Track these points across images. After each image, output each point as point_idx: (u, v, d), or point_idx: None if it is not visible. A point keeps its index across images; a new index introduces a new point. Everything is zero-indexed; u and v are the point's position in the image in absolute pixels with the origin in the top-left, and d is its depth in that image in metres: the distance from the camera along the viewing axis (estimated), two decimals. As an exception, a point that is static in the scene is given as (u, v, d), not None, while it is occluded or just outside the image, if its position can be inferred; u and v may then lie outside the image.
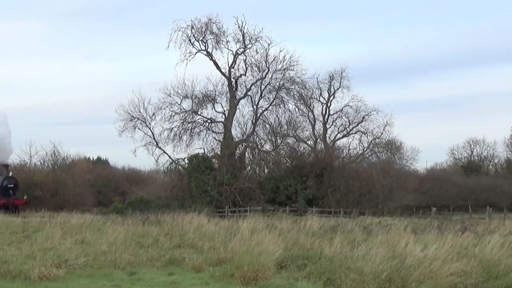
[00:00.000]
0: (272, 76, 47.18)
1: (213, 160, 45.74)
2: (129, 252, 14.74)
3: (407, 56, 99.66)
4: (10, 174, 43.82)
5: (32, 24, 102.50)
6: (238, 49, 46.44)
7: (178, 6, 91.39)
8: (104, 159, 63.05)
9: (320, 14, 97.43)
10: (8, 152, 45.24)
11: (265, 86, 47.24)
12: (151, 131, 46.13)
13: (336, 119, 53.01)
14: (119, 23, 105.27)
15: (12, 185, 42.37)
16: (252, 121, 47.21)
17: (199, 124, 46.52)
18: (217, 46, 46.30)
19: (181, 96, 46.22)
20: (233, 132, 46.71)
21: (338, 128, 53.13)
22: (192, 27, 45.97)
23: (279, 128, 47.96)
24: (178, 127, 46.06)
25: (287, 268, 12.91)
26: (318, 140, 52.10)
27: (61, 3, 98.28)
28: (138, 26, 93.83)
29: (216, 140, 46.67)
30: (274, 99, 47.37)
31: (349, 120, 52.72)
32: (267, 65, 46.82)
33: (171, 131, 45.98)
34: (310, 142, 51.48)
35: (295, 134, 49.19)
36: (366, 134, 52.59)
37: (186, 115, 46.25)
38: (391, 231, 17.57)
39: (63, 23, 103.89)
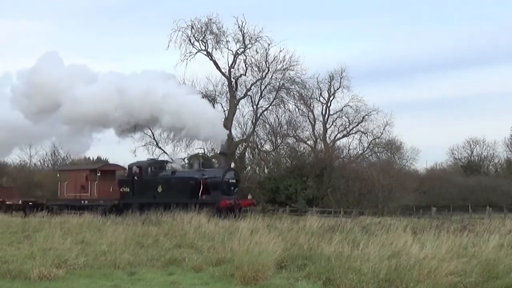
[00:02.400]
0: (272, 76, 47.21)
1: (213, 160, 45.71)
2: (129, 252, 14.77)
3: (407, 56, 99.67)
4: (232, 165, 35.14)
5: (34, 24, 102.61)
6: (238, 49, 46.47)
7: (178, 6, 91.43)
8: (104, 159, 63.02)
9: (320, 14, 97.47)
10: (222, 138, 35.63)
11: (265, 86, 47.28)
12: (151, 131, 46.14)
13: (336, 119, 53.05)
14: (119, 24, 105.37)
15: (234, 180, 32.99)
16: (252, 121, 47.25)
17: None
18: (217, 46, 46.32)
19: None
20: (233, 132, 46.73)
21: (338, 128, 53.18)
22: (192, 27, 45.99)
23: (279, 128, 47.97)
24: (178, 127, 46.06)
25: (287, 268, 12.93)
26: (318, 140, 52.12)
27: (63, 3, 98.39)
28: (138, 26, 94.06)
29: (216, 140, 46.66)
30: (274, 99, 47.40)
31: (349, 120, 52.76)
32: (267, 65, 46.85)
33: (171, 131, 45.97)
34: (310, 142, 51.52)
35: (295, 134, 49.20)
36: (366, 134, 52.64)
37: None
38: (390, 231, 17.59)
39: (66, 23, 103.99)
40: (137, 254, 14.65)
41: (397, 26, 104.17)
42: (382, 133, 52.73)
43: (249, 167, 47.47)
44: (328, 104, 52.82)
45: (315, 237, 16.76)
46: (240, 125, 47.64)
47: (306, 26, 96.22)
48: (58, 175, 40.59)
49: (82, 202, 36.53)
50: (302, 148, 49.60)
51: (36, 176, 50.99)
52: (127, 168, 36.56)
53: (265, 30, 46.44)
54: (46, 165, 57.61)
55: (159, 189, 33.60)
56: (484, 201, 47.54)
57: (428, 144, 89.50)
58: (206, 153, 46.06)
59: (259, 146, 47.60)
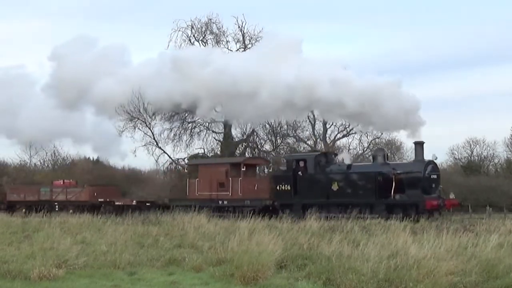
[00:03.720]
0: (272, 76, 47.08)
1: (213, 160, 45.72)
2: (129, 252, 14.78)
3: (407, 56, 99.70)
4: (435, 157, 28.69)
5: (33, 24, 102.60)
6: (238, 49, 46.44)
7: (178, 6, 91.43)
8: (104, 159, 62.98)
9: (320, 14, 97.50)
10: (419, 126, 28.96)
11: (265, 86, 47.17)
12: (151, 131, 46.07)
13: (336, 119, 53.00)
14: (119, 24, 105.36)
15: (436, 176, 27.77)
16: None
17: (199, 124, 46.51)
18: (217, 46, 46.27)
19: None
20: (233, 132, 46.74)
21: (338, 128, 53.07)
22: (192, 27, 46.00)
23: (279, 128, 47.95)
24: (178, 127, 46.05)
25: (287, 268, 12.95)
26: (318, 140, 52.08)
27: (62, 3, 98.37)
28: (138, 26, 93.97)
29: (216, 140, 46.70)
30: (274, 99, 47.30)
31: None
32: (267, 65, 46.73)
33: (171, 131, 45.96)
34: (310, 142, 51.48)
35: (295, 134, 49.18)
36: (366, 134, 52.61)
37: (186, 115, 46.25)
38: (390, 231, 17.60)
39: (65, 23, 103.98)
40: (137, 254, 14.67)
41: (397, 27, 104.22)
42: (382, 133, 52.73)
43: (249, 167, 47.45)
44: (328, 104, 52.84)
45: (315, 237, 16.78)
46: (240, 125, 47.64)
47: (307, 26, 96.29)
48: (186, 171, 36.27)
49: (220, 202, 31.67)
50: (302, 148, 49.58)
51: (36, 176, 50.93)
52: (282, 161, 31.59)
53: (265, 30, 46.44)
54: (46, 165, 57.60)
55: (334, 187, 28.48)
56: (484, 201, 47.48)
57: (428, 144, 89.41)
58: (206, 153, 46.03)
59: (259, 146, 47.60)
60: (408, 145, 58.55)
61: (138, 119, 44.77)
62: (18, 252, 14.98)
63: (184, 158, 46.21)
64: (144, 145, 45.93)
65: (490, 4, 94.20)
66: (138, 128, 45.42)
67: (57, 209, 36.23)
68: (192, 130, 46.29)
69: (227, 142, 45.00)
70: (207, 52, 36.34)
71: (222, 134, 46.06)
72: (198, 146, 46.47)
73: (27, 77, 42.75)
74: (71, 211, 34.53)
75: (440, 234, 15.70)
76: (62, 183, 40.95)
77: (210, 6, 67.60)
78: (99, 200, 36.20)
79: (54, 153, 56.10)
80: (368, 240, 15.22)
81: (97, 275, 12.49)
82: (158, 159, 46.40)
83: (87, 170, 54.00)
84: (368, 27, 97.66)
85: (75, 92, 37.35)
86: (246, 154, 47.21)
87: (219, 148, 46.06)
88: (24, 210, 36.89)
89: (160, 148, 46.23)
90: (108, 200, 36.22)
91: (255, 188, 31.43)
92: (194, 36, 46.02)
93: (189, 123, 46.32)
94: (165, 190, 45.98)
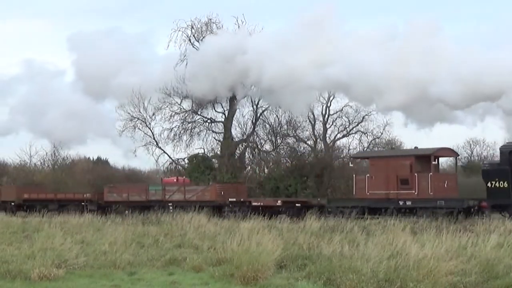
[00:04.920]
0: (272, 75, 47.00)
1: (213, 160, 45.73)
2: (129, 252, 14.80)
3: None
4: None
5: (32, 23, 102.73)
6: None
7: (178, 6, 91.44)
8: (104, 159, 63.01)
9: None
10: None
11: (265, 86, 47.12)
12: (151, 131, 46.12)
13: (336, 119, 52.89)
14: (119, 24, 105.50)
15: None
16: (252, 121, 47.24)
17: (199, 124, 46.51)
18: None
19: (181, 96, 46.17)
20: (233, 132, 46.71)
21: (338, 128, 53.05)
22: (192, 27, 45.96)
23: (279, 128, 47.94)
24: (178, 127, 46.06)
25: (286, 268, 12.96)
26: (318, 140, 52.06)
27: (61, 3, 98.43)
28: (137, 26, 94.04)
29: (216, 140, 46.68)
30: (274, 99, 47.25)
31: (349, 120, 52.59)
32: (267, 65, 46.65)
33: (171, 131, 45.96)
34: (310, 142, 51.45)
35: (295, 134, 49.16)
36: (366, 134, 52.50)
37: (186, 115, 46.27)
38: (390, 231, 17.61)
39: (64, 24, 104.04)
40: (137, 254, 14.68)
41: (394, 27, 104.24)
42: (382, 133, 52.64)
43: (249, 167, 47.48)
44: (328, 104, 52.70)
45: (315, 237, 16.79)
46: (240, 125, 47.60)
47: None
48: (350, 165, 32.29)
49: (401, 203, 27.17)
50: (302, 148, 49.58)
51: (36, 176, 50.90)
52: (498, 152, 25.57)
53: (265, 30, 46.39)
54: (46, 165, 57.53)
55: None
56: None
57: (428, 144, 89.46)
58: (206, 153, 46.06)
59: (259, 146, 47.61)
60: (408, 144, 58.63)
61: (138, 119, 44.88)
62: (18, 252, 14.98)
63: (184, 158, 46.26)
64: (144, 145, 46.02)
65: (491, 4, 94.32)
66: (138, 128, 45.53)
67: (171, 210, 31.34)
68: (192, 130, 46.34)
69: (227, 142, 45.03)
70: (239, 40, 35.27)
71: (222, 134, 46.11)
72: (198, 146, 46.55)
73: (56, 74, 42.88)
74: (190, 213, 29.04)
75: (440, 234, 15.71)
76: (175, 180, 37.31)
77: (210, 6, 67.56)
78: (230, 199, 31.85)
79: (54, 153, 56.03)
80: (368, 240, 15.23)
81: (97, 275, 12.50)
82: (158, 159, 46.45)
83: (87, 170, 53.99)
84: (366, 26, 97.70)
85: (100, 85, 37.41)
86: (246, 154, 47.25)
87: (219, 148, 46.10)
88: (126, 211, 32.62)
89: (160, 148, 46.31)
90: (242, 200, 31.98)
91: (445, 185, 27.38)
92: (194, 36, 46.04)
93: (189, 123, 46.39)
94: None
